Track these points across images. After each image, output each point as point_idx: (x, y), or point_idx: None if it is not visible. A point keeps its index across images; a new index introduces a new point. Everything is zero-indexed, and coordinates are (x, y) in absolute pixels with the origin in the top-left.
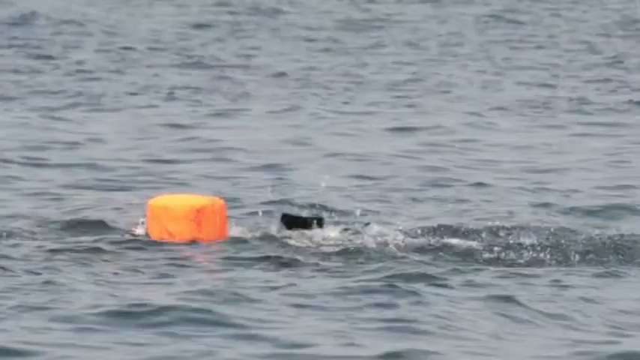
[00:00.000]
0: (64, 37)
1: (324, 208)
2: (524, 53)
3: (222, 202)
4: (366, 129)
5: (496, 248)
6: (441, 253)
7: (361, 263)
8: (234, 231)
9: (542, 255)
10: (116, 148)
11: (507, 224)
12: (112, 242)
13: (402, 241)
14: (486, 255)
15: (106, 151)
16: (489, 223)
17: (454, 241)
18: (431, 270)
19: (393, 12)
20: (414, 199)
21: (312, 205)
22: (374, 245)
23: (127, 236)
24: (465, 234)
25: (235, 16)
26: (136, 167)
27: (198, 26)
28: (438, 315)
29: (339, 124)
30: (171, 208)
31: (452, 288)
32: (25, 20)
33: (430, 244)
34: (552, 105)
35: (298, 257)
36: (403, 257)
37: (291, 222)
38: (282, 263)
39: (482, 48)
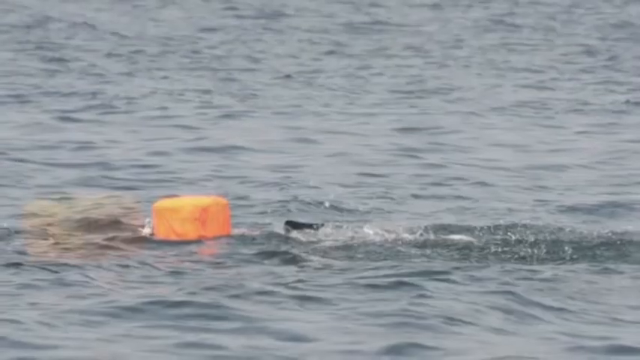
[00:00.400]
0: (76, 41)
1: (330, 205)
2: (523, 55)
3: (225, 202)
4: (369, 129)
5: (496, 245)
6: (442, 250)
7: (365, 259)
8: (240, 229)
9: (541, 251)
10: (127, 148)
11: (507, 221)
12: (122, 240)
13: (405, 238)
14: (487, 251)
15: (117, 151)
16: (490, 221)
17: (455, 237)
18: (433, 266)
19: (394, 16)
20: (416, 197)
21: (320, 203)
22: (377, 241)
23: (136, 235)
24: (466, 231)
25: (242, 20)
26: (147, 166)
27: (207, 30)
28: (440, 309)
29: (343, 124)
30: (177, 209)
31: (454, 283)
32: (38, 24)
33: (432, 241)
34: (550, 105)
35: (303, 254)
36: (406, 253)
37: (295, 228)
38: (287, 260)
39: (481, 50)
